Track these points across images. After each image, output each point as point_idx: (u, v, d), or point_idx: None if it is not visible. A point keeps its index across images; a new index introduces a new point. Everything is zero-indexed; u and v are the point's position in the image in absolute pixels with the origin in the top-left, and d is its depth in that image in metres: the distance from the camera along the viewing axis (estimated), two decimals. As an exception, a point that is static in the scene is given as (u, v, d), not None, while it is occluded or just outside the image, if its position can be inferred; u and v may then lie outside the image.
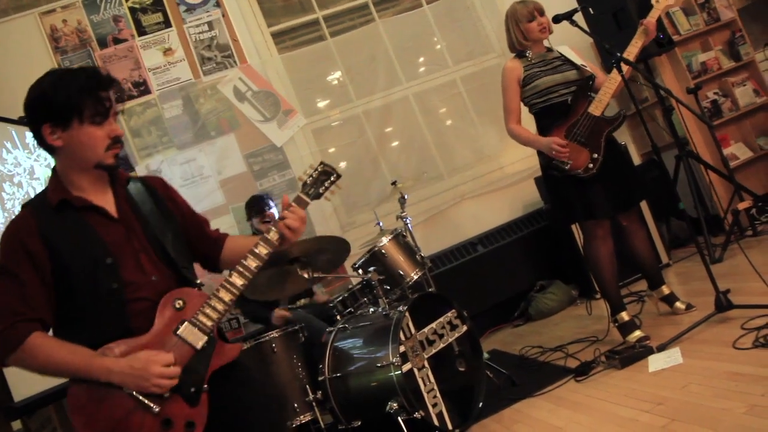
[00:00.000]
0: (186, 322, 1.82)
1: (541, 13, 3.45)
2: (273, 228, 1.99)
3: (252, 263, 1.93)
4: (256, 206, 4.07)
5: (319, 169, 2.14)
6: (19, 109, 4.10)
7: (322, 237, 3.29)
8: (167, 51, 4.89)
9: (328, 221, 4.87)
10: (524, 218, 5.22)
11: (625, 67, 3.23)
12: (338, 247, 3.24)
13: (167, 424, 1.71)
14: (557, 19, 3.44)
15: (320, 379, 3.23)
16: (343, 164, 5.07)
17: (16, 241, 1.79)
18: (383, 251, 3.47)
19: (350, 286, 3.67)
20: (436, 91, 5.42)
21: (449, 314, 3.34)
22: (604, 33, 4.42)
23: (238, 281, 1.90)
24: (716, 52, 4.97)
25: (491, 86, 5.47)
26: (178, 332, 1.81)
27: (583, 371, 3.24)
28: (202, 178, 4.71)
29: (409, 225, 3.77)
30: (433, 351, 3.18)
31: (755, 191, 4.52)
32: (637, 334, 3.36)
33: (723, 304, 3.13)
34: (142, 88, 4.81)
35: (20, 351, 1.71)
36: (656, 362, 3.00)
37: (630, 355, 3.14)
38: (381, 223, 3.97)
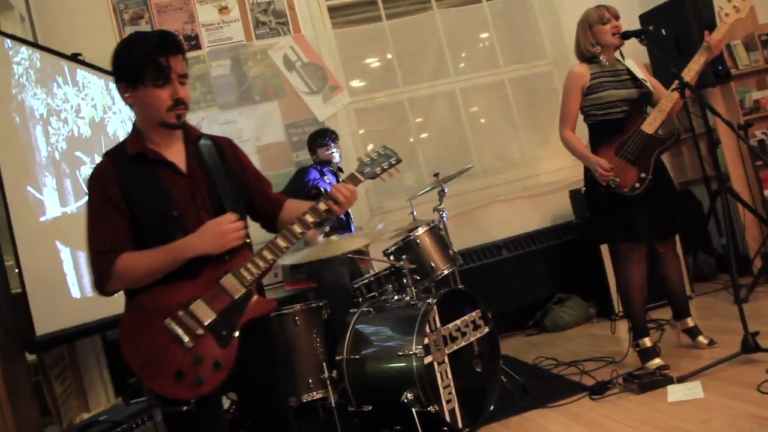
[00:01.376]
0: (229, 273, 1.98)
1: (616, 17, 3.38)
2: (324, 201, 2.10)
3: (297, 229, 2.07)
4: (319, 139, 4.32)
5: (381, 152, 2.28)
6: (73, 45, 4.13)
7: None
8: (223, 9, 4.87)
9: (357, 203, 4.86)
10: (552, 229, 5.21)
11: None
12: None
13: (197, 360, 1.88)
14: (626, 35, 3.40)
15: (337, 358, 3.24)
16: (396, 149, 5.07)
17: (98, 184, 1.98)
18: (418, 241, 3.47)
19: (376, 271, 3.67)
20: (482, 90, 5.41)
21: (474, 314, 3.34)
22: (658, 59, 4.38)
23: (282, 243, 2.05)
24: (772, 91, 4.93)
25: (538, 92, 5.48)
26: (220, 281, 1.98)
27: (599, 390, 3.23)
28: (240, 141, 4.70)
29: (444, 218, 3.76)
30: (455, 348, 3.18)
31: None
32: (657, 361, 3.35)
33: (751, 345, 3.11)
34: (193, 42, 4.80)
35: (114, 275, 1.90)
36: (676, 393, 3.00)
37: (650, 382, 3.13)
38: (415, 213, 3.96)
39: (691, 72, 3.26)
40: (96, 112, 3.86)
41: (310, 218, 2.09)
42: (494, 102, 5.43)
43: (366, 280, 3.65)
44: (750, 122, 4.64)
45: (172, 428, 1.97)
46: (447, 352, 3.13)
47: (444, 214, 3.79)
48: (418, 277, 3.44)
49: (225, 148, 2.19)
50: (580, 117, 3.52)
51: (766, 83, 4.97)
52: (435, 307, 3.13)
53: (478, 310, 3.36)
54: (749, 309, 4.09)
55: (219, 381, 1.90)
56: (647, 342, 3.42)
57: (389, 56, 5.24)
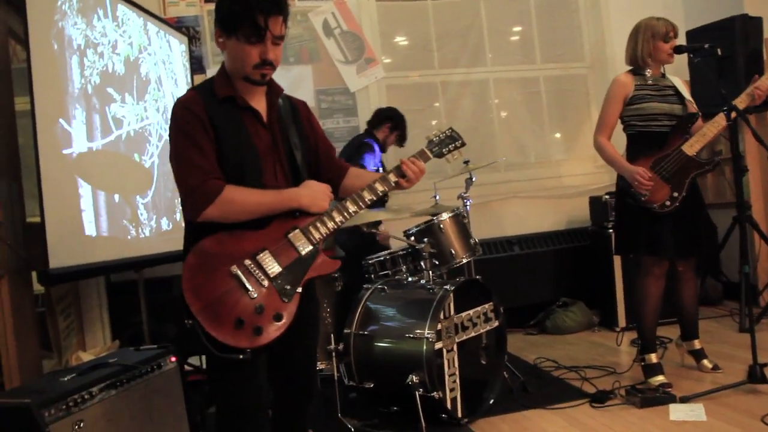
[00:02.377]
0: (298, 229, 2.01)
1: (676, 35, 3.37)
2: (394, 173, 2.14)
3: (367, 195, 2.12)
4: (401, 124, 4.39)
5: (447, 133, 2.33)
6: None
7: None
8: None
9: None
10: (567, 232, 5.21)
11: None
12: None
13: (259, 310, 1.88)
14: (680, 49, 3.36)
15: (346, 331, 3.23)
16: (416, 130, 5.03)
17: (191, 113, 1.95)
18: (441, 226, 3.45)
19: (394, 251, 3.65)
20: (517, 83, 5.38)
21: (486, 306, 3.34)
22: (705, 77, 4.34)
23: (351, 207, 2.09)
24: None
25: (571, 94, 5.45)
26: (288, 235, 2.00)
27: (600, 399, 3.24)
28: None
29: (468, 207, 3.73)
30: (464, 337, 3.18)
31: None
32: (661, 378, 3.35)
33: (758, 375, 3.11)
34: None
35: (218, 202, 1.90)
36: (678, 412, 3.00)
37: (652, 397, 3.14)
38: (438, 197, 3.93)
39: (740, 104, 3.23)
40: (131, 50, 3.80)
41: (380, 187, 2.13)
42: (526, 98, 5.41)
43: (381, 258, 3.63)
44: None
45: (220, 376, 1.97)
46: (457, 340, 3.13)
47: (468, 203, 3.77)
48: (437, 262, 3.42)
49: (300, 109, 2.21)
50: (618, 127, 3.50)
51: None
52: (451, 294, 3.12)
53: (491, 303, 3.36)
54: (753, 339, 4.11)
55: (278, 334, 1.90)
56: (653, 358, 3.42)
57: (429, 37, 5.19)
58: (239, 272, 1.89)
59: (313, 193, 2.03)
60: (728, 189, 4.82)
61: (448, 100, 5.13)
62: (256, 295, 1.89)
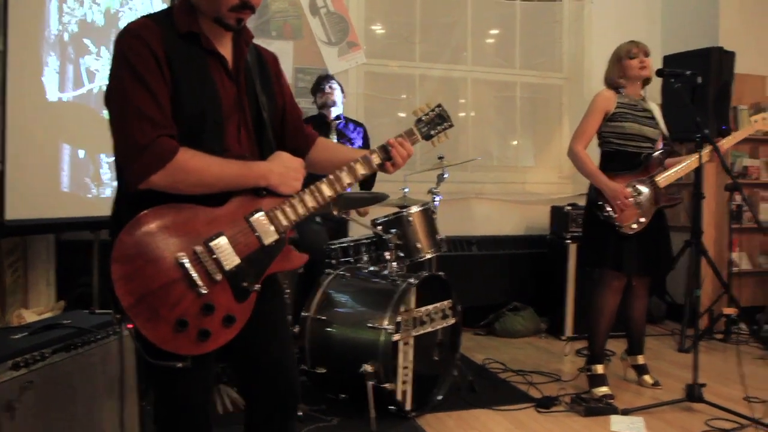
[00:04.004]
0: (262, 212, 1.68)
1: (646, 54, 3.44)
2: (378, 153, 1.85)
3: (346, 178, 1.79)
4: (319, 83, 4.19)
5: (437, 111, 1.99)
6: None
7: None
8: (260, -65, 4.68)
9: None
10: (525, 238, 5.26)
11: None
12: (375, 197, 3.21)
13: (207, 310, 1.57)
14: (660, 73, 3.43)
15: (303, 314, 3.20)
16: (385, 119, 5.03)
17: (144, 44, 1.58)
18: (410, 219, 3.43)
19: (357, 238, 3.63)
20: (493, 86, 5.42)
21: (446, 303, 3.36)
22: (678, 103, 4.41)
23: (327, 191, 1.77)
24: (761, 162, 5.05)
25: (545, 103, 5.51)
26: (250, 219, 1.66)
27: (545, 404, 3.28)
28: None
29: (437, 203, 3.73)
30: (421, 332, 3.18)
31: (739, 301, 4.67)
32: (605, 389, 3.42)
33: (695, 395, 3.19)
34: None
35: (170, 168, 1.55)
36: (619, 424, 3.07)
37: (596, 407, 3.21)
38: (407, 189, 3.91)
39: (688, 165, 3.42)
40: (113, 2, 3.66)
41: (361, 170, 1.81)
42: (501, 101, 5.44)
43: (344, 244, 3.60)
44: (738, 185, 4.72)
45: (156, 383, 1.70)
46: (414, 334, 3.12)
47: (437, 199, 3.76)
48: (401, 254, 3.41)
49: (270, 63, 1.88)
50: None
51: (758, 153, 5.10)
52: (414, 288, 3.11)
53: (450, 300, 3.37)
54: (689, 358, 4.23)
55: (227, 339, 1.62)
56: (599, 369, 3.49)
57: (414, 29, 5.17)
58: (187, 261, 1.56)
59: (286, 169, 1.71)
60: (682, 213, 4.95)
61: (425, 94, 5.11)
62: (205, 291, 1.57)
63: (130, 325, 1.85)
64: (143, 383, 2.50)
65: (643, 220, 3.34)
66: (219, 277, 1.59)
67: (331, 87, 4.13)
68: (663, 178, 3.40)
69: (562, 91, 5.61)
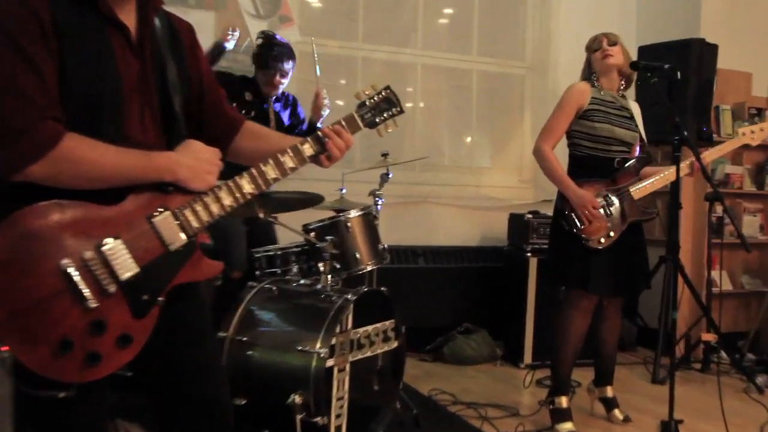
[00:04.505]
0: (168, 211, 1.63)
1: (611, 42, 3.52)
2: (311, 143, 1.82)
3: (271, 172, 1.76)
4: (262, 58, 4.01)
5: (384, 94, 1.97)
6: None
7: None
8: None
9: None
10: (479, 250, 5.30)
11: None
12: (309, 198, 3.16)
13: (98, 328, 1.50)
14: (636, 65, 3.48)
15: (220, 335, 3.10)
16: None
17: (23, 4, 1.50)
18: (349, 225, 3.38)
19: (286, 246, 3.57)
20: (447, 74, 5.45)
21: (387, 323, 3.31)
22: (654, 101, 4.52)
23: (247, 187, 1.73)
24: (744, 170, 5.22)
25: (504, 95, 5.59)
26: (153, 219, 1.61)
27: (502, 443, 3.29)
28: (158, 47, 4.44)
29: (379, 207, 3.70)
30: (359, 356, 3.13)
31: (720, 326, 4.77)
32: (569, 426, 3.45)
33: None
34: None
35: (52, 157, 1.49)
36: (584, 465, 3.10)
37: (559, 447, 3.23)
38: (344, 190, 3.88)
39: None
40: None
41: (289, 163, 1.78)
42: (455, 92, 5.48)
43: (270, 252, 3.53)
44: (719, 195, 4.85)
45: (34, 418, 1.61)
46: (351, 359, 3.07)
47: (380, 202, 3.74)
48: (338, 266, 3.36)
49: (183, 35, 1.81)
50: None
51: (741, 160, 5.26)
52: (352, 306, 3.07)
53: (393, 321, 3.34)
54: (664, 390, 4.32)
55: (121, 363, 1.56)
56: (564, 402, 3.52)
57: (355, 3, 5.16)
58: (73, 270, 1.49)
59: (197, 161, 1.67)
60: (658, 226, 5.06)
61: (368, 80, 5.08)
62: (95, 306, 1.50)
63: (5, 348, 1.76)
64: (19, 418, 2.38)
65: (612, 234, 3.39)
66: (113, 288, 1.54)
67: (284, 72, 4.02)
68: (637, 190, 3.47)
69: (525, 82, 5.67)
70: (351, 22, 5.13)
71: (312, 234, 3.40)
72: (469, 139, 5.61)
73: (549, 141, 3.48)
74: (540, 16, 5.60)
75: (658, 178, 3.51)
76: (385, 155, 3.74)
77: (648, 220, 3.60)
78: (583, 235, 3.36)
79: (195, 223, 1.67)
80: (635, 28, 5.61)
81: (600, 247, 3.37)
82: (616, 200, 3.44)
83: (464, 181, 5.46)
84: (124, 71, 1.62)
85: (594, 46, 3.53)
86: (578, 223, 3.35)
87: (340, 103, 5.13)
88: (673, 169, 3.41)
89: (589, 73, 3.57)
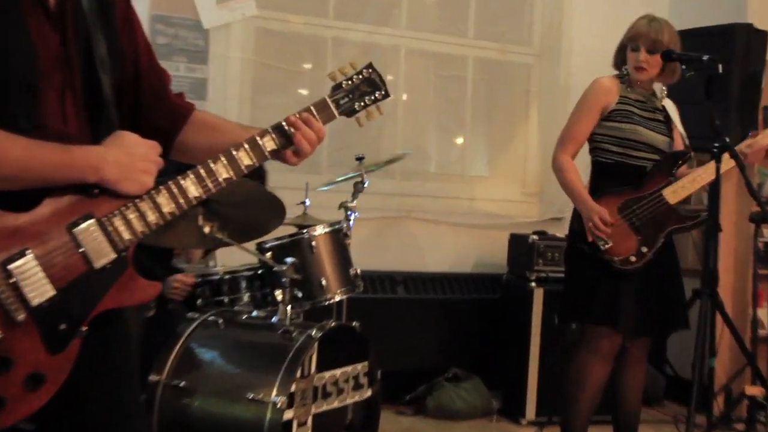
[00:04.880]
0: (93, 220, 1.62)
1: (650, 48, 3.52)
2: (272, 135, 1.81)
3: (222, 172, 1.76)
4: None
5: (364, 75, 1.96)
6: None
7: (256, 188, 3.15)
8: None
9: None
10: (472, 278, 5.32)
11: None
12: (269, 209, 3.16)
13: (1, 365, 1.51)
14: (668, 55, 3.52)
15: (152, 378, 3.11)
16: (280, 97, 5.01)
17: None
18: (313, 244, 3.41)
19: (235, 269, 3.59)
20: (436, 60, 5.48)
21: (359, 366, 3.35)
22: (685, 97, 4.57)
23: (193, 189, 1.73)
24: (798, 184, 5.29)
25: (507, 88, 5.63)
26: (74, 230, 1.60)
27: None
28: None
29: (351, 223, 3.71)
30: (324, 407, 3.16)
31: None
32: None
33: None
34: None
35: None
36: None
37: None
38: (308, 202, 3.88)
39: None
40: None
41: (245, 160, 1.79)
42: (446, 83, 5.51)
43: (215, 276, 3.54)
44: (766, 215, 4.90)
45: None
46: (314, 410, 3.10)
47: (352, 217, 3.75)
48: (299, 294, 3.38)
49: (115, 2, 1.82)
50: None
51: (797, 170, 5.32)
52: (316, 344, 3.08)
53: (366, 363, 3.37)
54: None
55: (32, 409, 1.55)
56: (579, 469, 3.54)
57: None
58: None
59: (129, 157, 1.66)
60: (691, 252, 5.11)
61: (338, 64, 5.09)
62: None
63: None
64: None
65: (645, 250, 3.42)
66: (21, 316, 1.53)
67: None
68: (671, 191, 3.49)
69: (531, 72, 5.71)
70: (320, -7, 5.15)
71: (268, 254, 3.42)
72: (461, 141, 5.63)
73: (569, 149, 3.54)
74: (552, -9, 5.64)
75: (698, 172, 3.52)
76: (359, 159, 3.75)
77: (693, 226, 3.61)
78: (607, 257, 3.39)
79: (126, 235, 1.65)
80: (667, 9, 5.62)
81: (631, 268, 3.40)
82: (645, 208, 3.46)
83: (455, 193, 5.47)
84: (40, 46, 1.62)
85: (632, 45, 3.55)
86: (601, 244, 3.38)
87: (304, 92, 5.15)
88: (712, 165, 3.44)
89: (620, 64, 3.62)
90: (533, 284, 4.77)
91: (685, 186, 3.50)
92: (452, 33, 5.51)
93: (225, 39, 4.82)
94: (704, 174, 3.50)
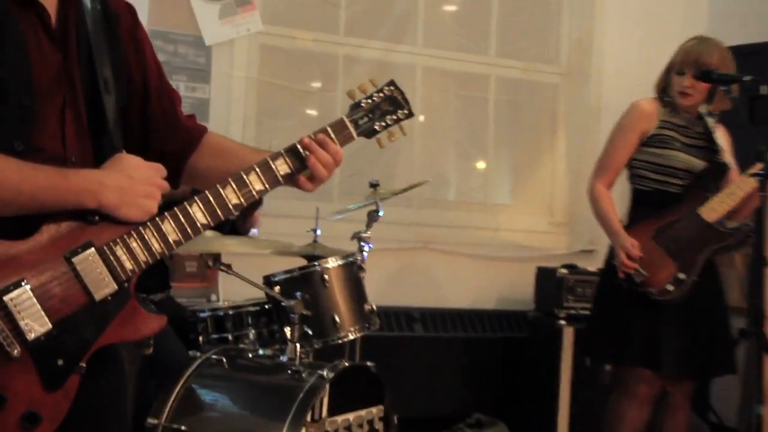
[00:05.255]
0: (93, 249, 1.64)
1: (698, 74, 3.51)
2: (285, 158, 1.83)
3: (233, 198, 1.78)
4: None
5: (386, 92, 1.99)
6: None
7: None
8: None
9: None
10: (496, 315, 5.31)
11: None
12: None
13: None
14: (706, 76, 3.51)
15: (150, 422, 3.10)
16: (288, 120, 5.03)
17: None
18: (325, 278, 3.40)
19: (240, 304, 3.61)
20: (456, 79, 5.49)
21: (374, 410, 3.35)
22: (725, 120, 4.56)
23: (200, 216, 1.75)
24: None
25: (532, 110, 5.62)
26: (74, 259, 1.62)
27: None
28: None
29: (365, 255, 3.70)
30: (336, 456, 3.14)
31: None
32: None
33: None
34: None
35: None
36: None
37: None
38: (319, 231, 3.88)
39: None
40: None
41: (257, 185, 1.80)
42: (465, 104, 5.52)
43: (219, 312, 3.55)
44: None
45: None
46: (325, 459, 3.08)
47: (366, 248, 3.74)
48: (310, 332, 3.37)
49: (121, 18, 1.85)
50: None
51: None
52: (328, 385, 3.07)
53: (381, 407, 3.36)
54: None
55: None
56: None
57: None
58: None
59: (130, 181, 1.67)
60: (736, 288, 5.06)
61: (350, 84, 5.12)
62: None
63: None
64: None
65: (683, 276, 3.41)
66: (16, 351, 1.54)
67: None
68: (708, 209, 3.47)
69: (558, 92, 5.72)
70: (331, 8, 5.19)
71: (276, 288, 3.42)
72: (483, 166, 5.62)
73: (605, 178, 3.56)
74: (579, 6, 5.64)
75: (733, 186, 3.46)
76: (374, 186, 3.75)
77: (734, 247, 3.63)
78: (643, 288, 3.38)
79: (128, 265, 1.67)
80: (707, 25, 5.63)
81: (670, 298, 3.38)
82: (679, 229, 3.46)
83: (476, 223, 5.46)
84: (38, 64, 1.65)
85: (677, 69, 3.58)
86: (635, 276, 3.36)
87: (312, 113, 5.16)
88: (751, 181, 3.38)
89: (664, 87, 3.64)
90: (562, 322, 4.75)
91: (723, 201, 3.48)
92: (472, 50, 5.54)
93: (228, 56, 4.86)
94: (742, 185, 3.46)
